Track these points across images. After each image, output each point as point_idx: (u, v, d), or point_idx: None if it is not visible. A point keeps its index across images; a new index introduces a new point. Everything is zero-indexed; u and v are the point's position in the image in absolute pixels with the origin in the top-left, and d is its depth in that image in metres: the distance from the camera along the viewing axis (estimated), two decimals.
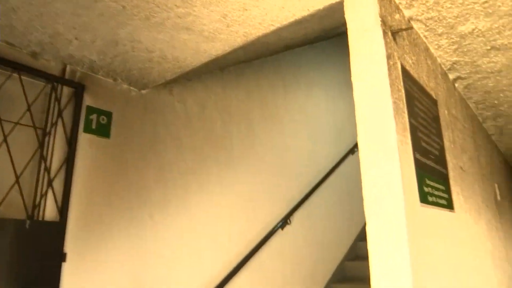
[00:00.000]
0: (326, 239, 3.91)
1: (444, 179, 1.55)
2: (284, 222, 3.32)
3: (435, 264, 1.23)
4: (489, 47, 1.90)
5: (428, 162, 1.40)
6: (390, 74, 1.22)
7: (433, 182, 1.40)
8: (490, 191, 2.65)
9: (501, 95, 2.48)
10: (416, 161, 1.28)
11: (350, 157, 4.61)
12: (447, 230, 1.43)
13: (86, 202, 2.08)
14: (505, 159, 4.12)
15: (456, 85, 2.29)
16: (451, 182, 1.64)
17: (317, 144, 4.23)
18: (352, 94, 1.29)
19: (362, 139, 1.19)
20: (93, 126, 2.18)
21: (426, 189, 1.31)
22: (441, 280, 1.25)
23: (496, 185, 2.96)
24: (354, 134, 4.75)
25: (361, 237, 4.62)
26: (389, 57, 1.25)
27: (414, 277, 1.02)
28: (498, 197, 2.95)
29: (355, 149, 4.72)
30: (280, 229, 3.28)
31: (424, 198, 1.27)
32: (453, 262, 1.43)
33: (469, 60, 2.02)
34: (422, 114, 1.47)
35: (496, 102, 2.60)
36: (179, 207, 2.50)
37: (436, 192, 1.41)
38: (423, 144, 1.40)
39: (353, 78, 1.28)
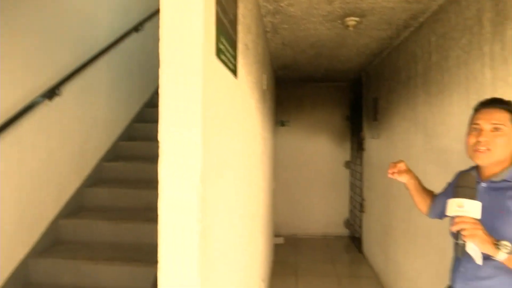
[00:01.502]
0: (101, 116, 3.68)
1: (234, 46, 1.59)
2: (53, 92, 2.88)
3: (220, 114, 1.29)
4: None
5: (225, 22, 1.39)
6: None
7: (226, 44, 1.41)
8: (260, 78, 2.99)
9: None
10: (217, 13, 1.24)
11: (134, 35, 4.30)
12: (231, 91, 1.51)
13: None
14: (271, 59, 4.70)
15: None
16: (238, 52, 1.72)
17: (98, 13, 3.71)
18: None
19: None
20: None
21: (221, 46, 1.30)
22: (223, 133, 1.34)
23: (264, 76, 3.36)
24: (140, 11, 4.40)
25: (137, 119, 4.59)
26: None
27: (203, 124, 1.03)
28: (264, 87, 3.38)
29: (139, 27, 4.42)
30: (47, 100, 2.84)
31: (218, 53, 1.27)
32: (234, 120, 1.55)
33: None
34: None
35: None
36: None
37: (227, 54, 1.43)
38: (223, 2, 1.36)
39: None
